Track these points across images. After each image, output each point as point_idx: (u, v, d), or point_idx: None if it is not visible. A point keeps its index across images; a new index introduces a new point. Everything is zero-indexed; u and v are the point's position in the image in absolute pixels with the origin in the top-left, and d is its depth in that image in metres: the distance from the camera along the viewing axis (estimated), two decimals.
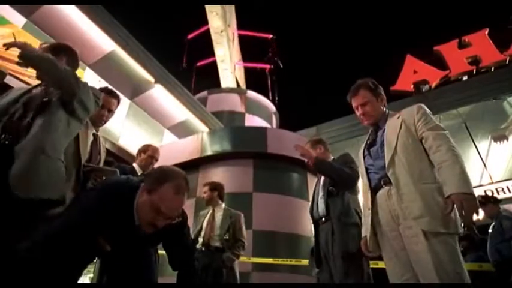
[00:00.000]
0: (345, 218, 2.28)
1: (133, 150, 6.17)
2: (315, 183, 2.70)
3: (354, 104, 1.94)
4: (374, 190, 1.74)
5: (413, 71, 9.49)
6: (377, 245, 1.71)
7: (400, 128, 1.71)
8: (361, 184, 1.93)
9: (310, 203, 2.64)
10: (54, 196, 1.40)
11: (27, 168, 1.32)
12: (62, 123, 1.55)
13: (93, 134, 2.20)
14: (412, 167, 1.59)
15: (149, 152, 3.02)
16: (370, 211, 1.72)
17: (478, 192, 5.98)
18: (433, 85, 8.85)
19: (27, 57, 1.42)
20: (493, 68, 8.10)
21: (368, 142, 1.91)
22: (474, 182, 7.91)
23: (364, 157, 1.88)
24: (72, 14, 5.13)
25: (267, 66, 13.76)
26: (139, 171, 2.95)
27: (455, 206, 1.41)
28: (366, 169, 1.83)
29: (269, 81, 13.31)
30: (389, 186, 1.64)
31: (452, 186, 1.43)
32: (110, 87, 2.33)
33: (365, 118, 1.89)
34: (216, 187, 3.37)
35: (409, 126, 1.71)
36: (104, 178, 2.13)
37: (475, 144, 6.92)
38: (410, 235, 1.50)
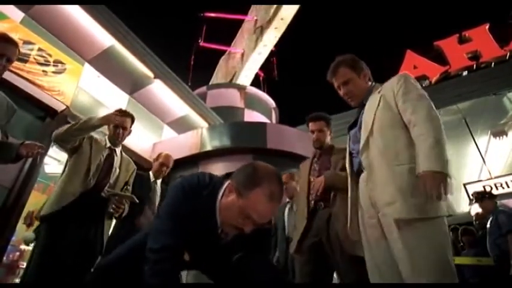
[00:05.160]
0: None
1: (133, 146, 6.19)
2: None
3: (335, 84, 1.76)
4: (357, 175, 1.62)
5: (413, 66, 9.48)
6: (358, 230, 1.56)
7: (378, 104, 1.52)
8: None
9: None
10: None
11: None
12: None
13: (110, 148, 2.32)
14: (387, 149, 1.40)
15: (160, 160, 3.06)
16: (349, 198, 1.61)
17: (476, 187, 5.99)
18: (433, 80, 8.84)
19: None
20: (493, 64, 8.08)
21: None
22: (473, 177, 7.98)
23: (349, 140, 1.77)
24: (71, 8, 5.08)
25: (261, 74, 13.77)
26: (152, 179, 2.99)
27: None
28: (350, 153, 1.71)
29: (263, 89, 13.29)
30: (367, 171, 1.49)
31: (420, 163, 1.24)
32: (122, 109, 2.47)
33: (350, 99, 1.73)
34: None
35: (388, 101, 1.51)
36: (123, 203, 2.24)
37: (474, 140, 6.93)
38: (386, 224, 1.32)
